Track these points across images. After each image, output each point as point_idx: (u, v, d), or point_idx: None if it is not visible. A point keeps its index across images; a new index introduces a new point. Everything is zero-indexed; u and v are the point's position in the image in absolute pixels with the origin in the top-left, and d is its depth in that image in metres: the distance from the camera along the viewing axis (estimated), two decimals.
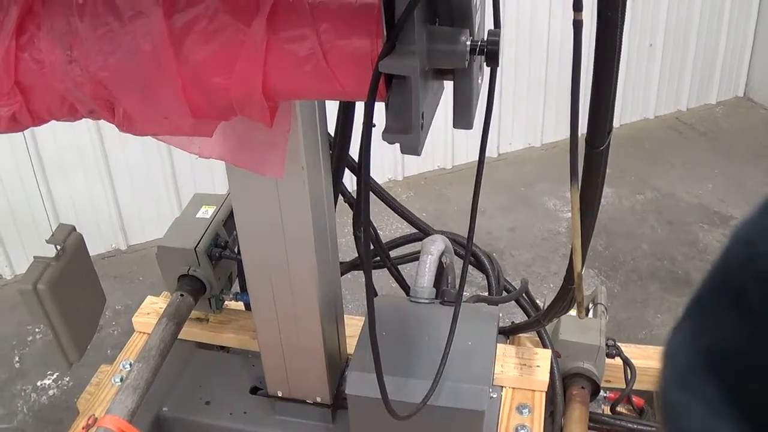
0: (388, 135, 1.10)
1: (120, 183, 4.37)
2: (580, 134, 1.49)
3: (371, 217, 2.52)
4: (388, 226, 4.29)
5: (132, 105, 1.21)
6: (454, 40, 1.13)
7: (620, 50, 1.40)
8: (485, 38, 1.18)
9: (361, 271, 2.40)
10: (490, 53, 1.17)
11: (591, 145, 1.57)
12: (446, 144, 5.17)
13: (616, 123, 5.58)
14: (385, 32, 1.10)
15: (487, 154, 4.71)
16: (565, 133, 5.48)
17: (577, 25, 1.31)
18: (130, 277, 4.28)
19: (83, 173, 4.24)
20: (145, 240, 4.54)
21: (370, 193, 2.38)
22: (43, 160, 4.08)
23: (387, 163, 5.06)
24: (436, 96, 1.27)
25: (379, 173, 4.95)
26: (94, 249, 4.32)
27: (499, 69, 1.31)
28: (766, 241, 0.49)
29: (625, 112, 5.75)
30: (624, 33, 1.38)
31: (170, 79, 1.16)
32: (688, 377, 0.54)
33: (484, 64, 1.25)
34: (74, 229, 2.05)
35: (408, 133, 1.10)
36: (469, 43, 1.13)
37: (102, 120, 1.29)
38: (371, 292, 1.36)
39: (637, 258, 4.42)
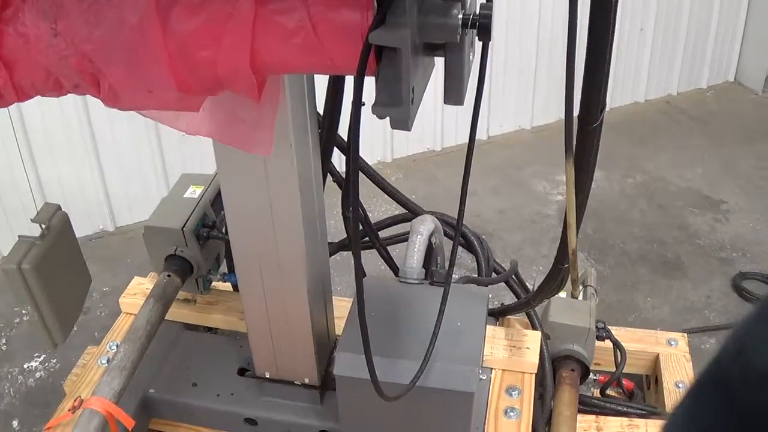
0: (378, 108, 1.09)
1: (107, 164, 4.35)
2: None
3: (360, 198, 2.52)
4: (377, 208, 4.28)
5: (117, 79, 1.19)
6: (445, 13, 1.11)
7: (614, 26, 1.39)
8: (477, 12, 1.16)
9: (350, 252, 2.38)
10: (483, 27, 1.16)
11: (584, 122, 1.57)
12: (435, 126, 5.16)
13: (606, 106, 5.58)
14: (375, 4, 1.09)
15: (478, 136, 4.69)
16: (555, 116, 5.48)
17: (573, 1, 1.30)
18: (117, 259, 4.27)
19: (71, 154, 4.22)
20: (132, 221, 4.52)
21: (360, 173, 2.37)
22: (30, 141, 4.05)
23: (376, 144, 5.04)
24: (426, 72, 1.26)
25: (368, 155, 4.93)
26: (81, 230, 4.30)
27: (489, 49, 1.30)
28: (755, 345, 0.53)
29: (615, 96, 5.75)
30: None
31: (156, 52, 1.14)
32: None
33: (476, 39, 1.23)
34: (59, 208, 2.03)
35: (398, 106, 1.08)
36: (461, 16, 1.12)
37: (88, 95, 1.27)
38: (360, 272, 1.35)
39: (627, 241, 4.42)
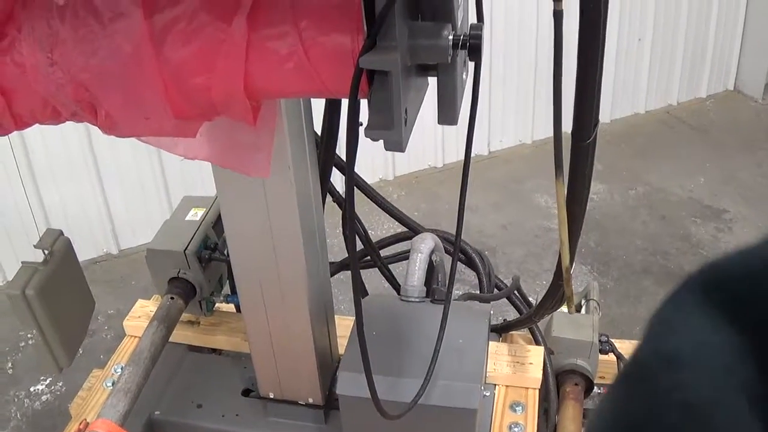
0: (371, 131, 1.09)
1: (110, 187, 4.36)
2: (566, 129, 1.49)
3: (361, 217, 2.53)
4: (379, 226, 4.29)
5: (114, 106, 1.21)
6: (435, 35, 1.12)
7: (604, 41, 1.39)
8: (468, 32, 1.17)
9: None
10: (473, 47, 1.16)
11: (577, 138, 1.57)
12: (436, 143, 5.16)
13: (606, 119, 5.58)
14: (365, 28, 1.10)
15: (478, 151, 4.70)
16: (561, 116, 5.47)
17: (558, 16, 1.31)
18: (122, 282, 4.27)
19: (73, 178, 4.23)
20: (136, 244, 4.53)
21: (360, 192, 2.38)
22: (32, 165, 4.07)
23: (378, 162, 5.05)
24: (420, 92, 1.27)
25: (369, 173, 4.94)
26: (85, 254, 4.33)
27: (488, 65, 1.31)
28: (664, 329, 0.56)
29: (615, 108, 5.74)
30: (612, 28, 1.38)
31: (151, 79, 1.16)
32: None
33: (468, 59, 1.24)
34: (62, 233, 2.05)
35: (390, 129, 1.09)
36: (451, 37, 1.13)
37: (85, 122, 1.29)
38: (358, 290, 1.35)
39: (630, 253, 4.42)
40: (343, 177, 2.24)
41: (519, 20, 5.08)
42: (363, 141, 1.12)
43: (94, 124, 1.26)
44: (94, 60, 1.16)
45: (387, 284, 2.70)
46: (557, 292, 2.03)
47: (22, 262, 1.97)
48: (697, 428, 0.48)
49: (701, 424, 0.48)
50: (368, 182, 2.42)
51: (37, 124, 1.32)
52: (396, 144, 1.11)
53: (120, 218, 4.49)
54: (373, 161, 4.99)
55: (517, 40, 5.14)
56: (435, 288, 2.09)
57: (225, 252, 2.23)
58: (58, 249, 2.01)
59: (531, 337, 2.42)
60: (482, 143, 5.29)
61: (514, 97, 5.33)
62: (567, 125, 1.50)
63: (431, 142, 5.14)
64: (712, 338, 0.52)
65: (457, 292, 2.01)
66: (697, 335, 0.53)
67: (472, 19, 1.31)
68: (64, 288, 2.03)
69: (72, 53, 1.17)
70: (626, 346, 2.48)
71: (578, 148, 1.59)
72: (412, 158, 5.17)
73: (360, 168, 1.55)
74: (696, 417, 0.49)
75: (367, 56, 1.04)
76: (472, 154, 1.50)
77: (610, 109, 5.65)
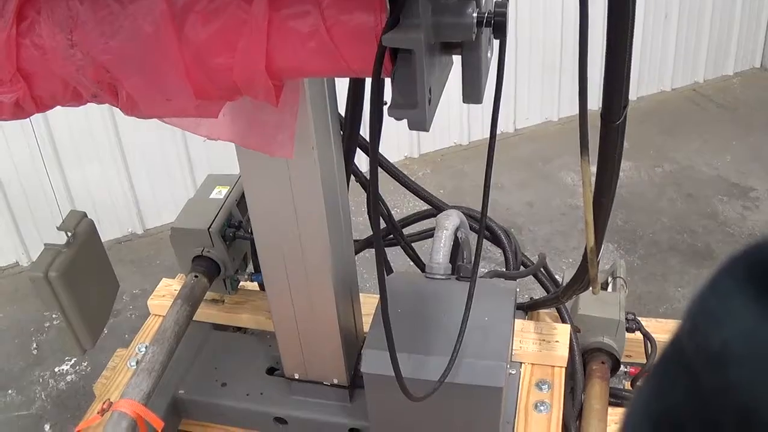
0: (395, 111, 1.08)
1: (135, 167, 4.36)
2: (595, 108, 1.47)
3: (386, 195, 2.52)
4: (405, 204, 4.27)
5: (135, 88, 1.20)
6: (459, 13, 1.11)
7: (633, 21, 1.37)
8: (492, 10, 1.16)
9: None
10: (498, 25, 1.15)
11: (606, 119, 1.55)
12: (462, 120, 5.13)
13: (633, 96, 5.53)
14: (388, 6, 1.08)
15: (504, 129, 4.69)
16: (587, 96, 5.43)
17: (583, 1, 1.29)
18: (147, 261, 4.28)
19: (98, 158, 4.23)
20: (161, 223, 4.53)
21: (384, 171, 2.37)
22: (57, 146, 4.07)
23: (403, 140, 5.03)
24: (444, 71, 1.25)
25: (395, 151, 4.93)
26: (110, 234, 4.33)
27: (514, 42, 1.30)
28: (706, 322, 0.50)
29: (642, 85, 5.70)
30: (639, 4, 1.36)
31: (172, 60, 1.15)
32: None
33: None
34: (85, 215, 2.05)
35: (414, 108, 1.08)
36: (475, 15, 1.11)
37: (106, 104, 1.28)
38: (382, 269, 1.34)
39: (657, 231, 4.39)
40: (368, 157, 2.24)
41: None
42: (387, 118, 1.11)
43: (115, 106, 1.25)
44: (114, 41, 1.15)
45: (413, 264, 2.69)
46: (585, 275, 2.02)
47: (44, 245, 1.97)
48: None
49: (764, 428, 0.43)
50: (393, 160, 2.42)
51: (58, 106, 1.32)
52: (420, 124, 1.10)
53: (145, 197, 4.49)
54: (398, 139, 4.97)
55: (543, 15, 5.10)
56: (460, 265, 2.08)
57: (249, 230, 2.23)
58: (82, 231, 2.01)
59: (557, 315, 2.41)
60: (508, 121, 5.26)
61: (540, 74, 5.29)
62: (593, 102, 1.48)
63: (456, 120, 5.12)
64: (763, 329, 0.46)
65: (482, 269, 1.99)
66: (745, 326, 0.47)
67: None
68: (87, 270, 2.03)
69: (92, 34, 1.16)
70: (653, 325, 2.47)
71: (607, 129, 1.57)
72: (437, 136, 5.14)
73: (385, 146, 1.53)
74: (755, 421, 0.44)
75: (390, 34, 1.03)
76: (498, 132, 1.49)
77: (636, 87, 5.60)
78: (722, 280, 0.50)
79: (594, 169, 1.67)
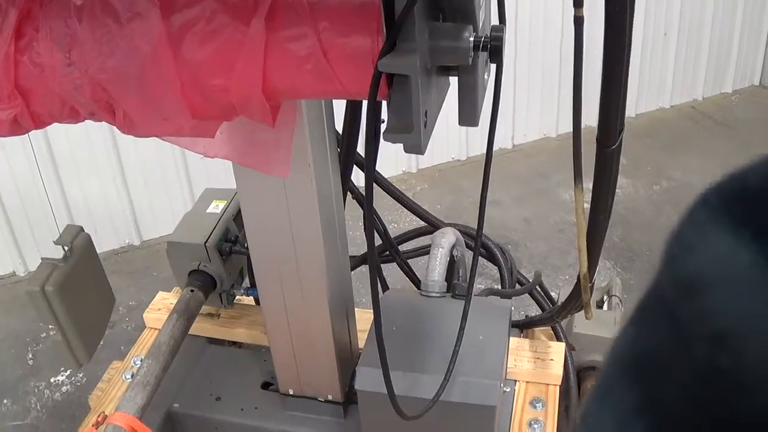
0: (390, 135, 1.09)
1: (133, 178, 4.37)
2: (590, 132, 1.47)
3: (384, 210, 2.52)
4: (402, 219, 4.27)
5: (131, 107, 1.20)
6: (456, 37, 1.11)
7: (630, 46, 1.38)
8: (489, 34, 1.16)
9: None
10: (494, 49, 1.15)
11: (602, 144, 1.55)
12: (460, 135, 5.14)
13: (631, 113, 5.55)
14: (385, 30, 1.09)
15: (502, 144, 4.70)
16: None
17: (578, 22, 1.29)
18: (143, 273, 4.28)
19: (96, 169, 4.24)
20: (158, 235, 4.53)
21: (380, 188, 2.38)
22: (55, 157, 4.08)
23: (401, 155, 5.02)
24: (441, 93, 1.26)
25: (392, 166, 4.93)
26: (107, 245, 4.34)
27: (513, 57, 1.30)
28: (681, 251, 0.49)
29: (640, 102, 5.72)
30: (638, 21, 1.36)
31: (169, 80, 1.15)
32: (610, 385, 0.54)
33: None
34: (82, 229, 2.05)
35: (410, 132, 1.08)
36: (472, 39, 1.12)
37: (104, 122, 1.29)
38: (376, 286, 1.35)
39: (654, 249, 4.39)
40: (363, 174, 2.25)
41: (545, 10, 5.06)
42: None
43: (112, 124, 1.25)
44: (111, 60, 1.16)
45: (409, 281, 2.70)
46: (579, 296, 2.02)
47: (41, 259, 1.97)
48: (732, 358, 0.43)
49: (736, 353, 0.43)
50: (391, 174, 2.43)
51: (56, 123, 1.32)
52: (415, 147, 1.10)
53: (142, 209, 4.50)
54: (396, 154, 4.96)
55: (543, 32, 5.11)
56: (456, 283, 2.08)
57: (246, 245, 2.23)
58: (78, 245, 2.02)
59: (552, 332, 2.41)
60: (506, 137, 5.28)
61: (539, 91, 5.31)
62: (589, 119, 1.48)
63: (455, 135, 5.13)
64: (736, 255, 0.45)
65: (478, 286, 2.00)
66: (719, 253, 0.46)
67: (494, 20, 1.30)
68: (83, 285, 2.04)
69: (90, 53, 1.16)
70: None
71: (603, 154, 1.57)
72: (435, 151, 5.15)
73: (383, 160, 1.54)
74: (729, 345, 0.45)
75: (386, 59, 1.04)
76: (496, 148, 1.49)
77: (635, 103, 5.62)
78: (698, 211, 0.50)
79: (589, 189, 1.67)
